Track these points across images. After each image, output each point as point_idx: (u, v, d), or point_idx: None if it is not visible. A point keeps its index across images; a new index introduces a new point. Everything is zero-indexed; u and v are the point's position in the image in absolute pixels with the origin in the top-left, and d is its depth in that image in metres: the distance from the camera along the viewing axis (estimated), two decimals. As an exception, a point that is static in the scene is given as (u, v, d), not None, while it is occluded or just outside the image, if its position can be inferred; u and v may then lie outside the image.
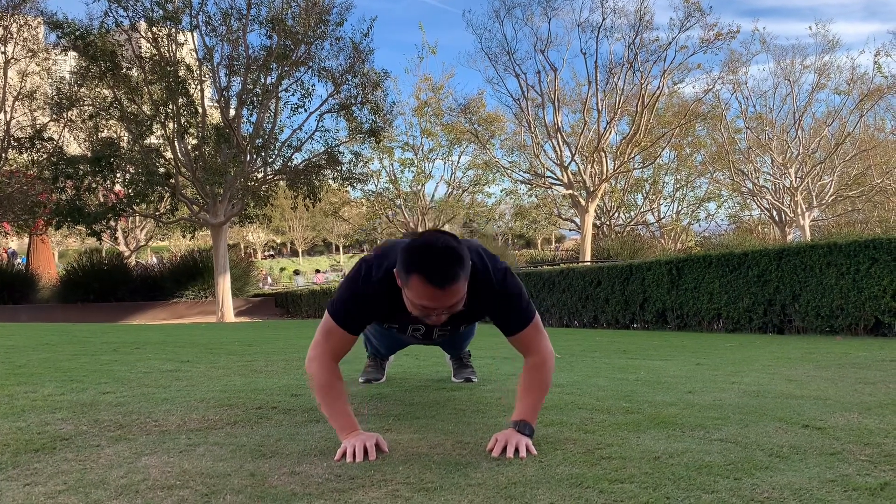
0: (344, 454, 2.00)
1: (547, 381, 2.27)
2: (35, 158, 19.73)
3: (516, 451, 2.02)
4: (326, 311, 2.28)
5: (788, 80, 30.64)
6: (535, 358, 2.28)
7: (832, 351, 5.61)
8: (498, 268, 2.25)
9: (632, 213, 35.68)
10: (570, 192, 26.54)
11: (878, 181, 30.99)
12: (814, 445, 2.13)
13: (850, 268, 8.19)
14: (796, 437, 2.24)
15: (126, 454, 2.04)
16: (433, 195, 34.79)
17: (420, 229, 32.88)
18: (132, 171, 19.39)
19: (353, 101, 20.45)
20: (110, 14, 18.49)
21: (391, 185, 32.81)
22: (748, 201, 34.81)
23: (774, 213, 31.58)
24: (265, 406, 2.80)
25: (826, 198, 31.01)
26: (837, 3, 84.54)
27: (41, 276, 25.75)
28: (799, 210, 29.61)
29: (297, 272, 49.68)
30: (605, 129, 26.07)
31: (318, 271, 48.74)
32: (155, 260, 34.72)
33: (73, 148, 21.42)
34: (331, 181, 22.46)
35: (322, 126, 21.05)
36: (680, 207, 36.67)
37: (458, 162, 33.85)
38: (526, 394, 2.23)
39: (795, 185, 29.74)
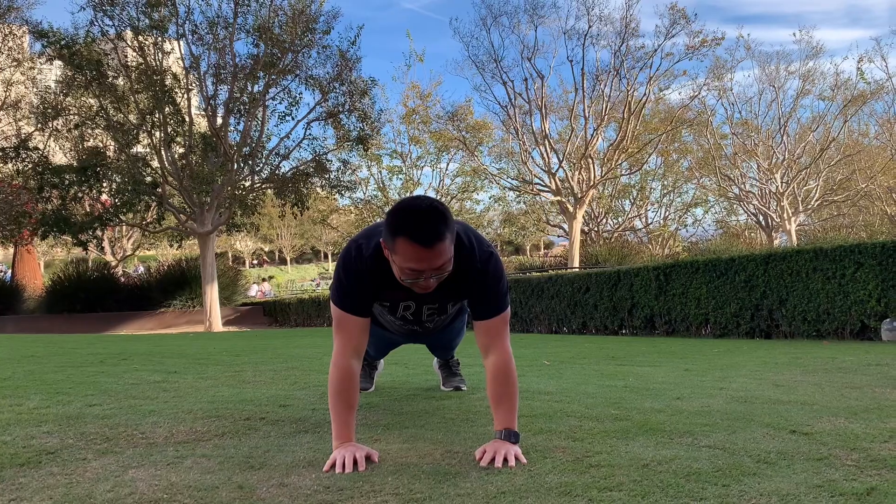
0: (333, 465, 2.00)
1: (515, 383, 2.26)
2: (20, 168, 19.57)
3: (505, 460, 2.02)
4: (332, 304, 2.28)
5: (773, 86, 30.93)
6: (498, 357, 2.25)
7: (819, 356, 5.64)
8: (483, 248, 2.26)
9: (619, 219, 35.84)
10: (558, 198, 26.63)
11: (863, 186, 31.28)
12: (801, 451, 2.14)
13: (835, 272, 8.26)
14: (784, 443, 2.25)
15: (113, 467, 2.03)
16: (421, 203, 34.74)
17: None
18: (118, 180, 19.28)
19: (341, 109, 20.44)
20: (96, 23, 18.43)
21: (379, 193, 32.82)
22: (735, 206, 35.06)
23: (761, 217, 31.80)
24: (253, 417, 2.78)
25: (812, 202, 31.26)
26: (821, 10, 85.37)
27: (27, 286, 25.55)
28: (785, 215, 29.83)
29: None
30: (592, 135, 26.20)
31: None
32: (142, 269, 34.52)
33: (59, 157, 21.28)
34: (319, 189, 22.43)
35: (310, 134, 21.03)
36: (667, 213, 36.89)
37: (447, 169, 33.96)
38: (500, 401, 2.22)
39: (781, 190, 29.97)
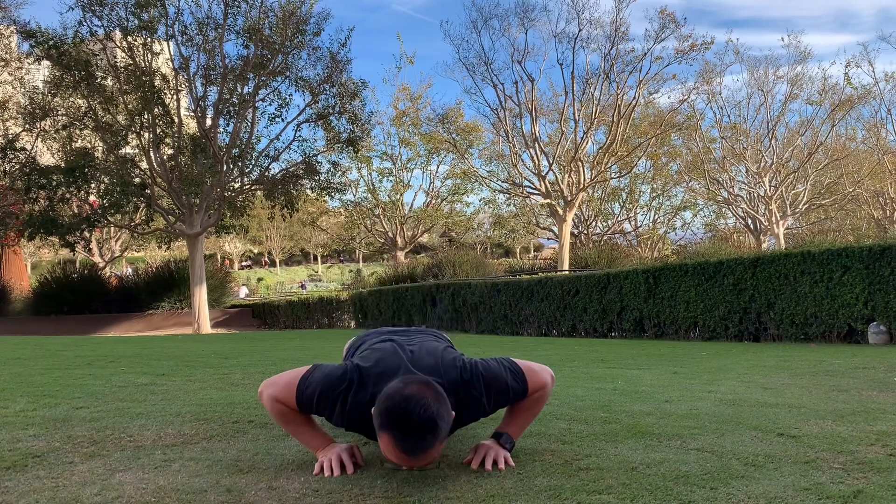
0: (322, 469, 1.99)
1: (539, 408, 2.26)
2: (7, 169, 19.44)
3: (494, 463, 2.02)
4: (298, 381, 2.09)
5: (762, 90, 31.11)
6: (539, 393, 2.21)
7: (806, 359, 5.67)
8: (463, 383, 2.09)
9: (609, 222, 35.95)
10: (548, 201, 26.68)
11: (850, 190, 31.51)
12: (788, 454, 2.15)
13: (823, 276, 8.31)
14: (771, 446, 2.26)
15: (100, 471, 2.01)
16: (412, 204, 34.88)
17: (399, 239, 32.90)
18: (107, 181, 19.17)
19: (331, 111, 20.42)
20: (85, 23, 18.33)
21: (369, 195, 32.79)
22: (723, 210, 35.23)
23: (749, 221, 31.97)
24: (242, 420, 2.77)
25: (800, 206, 31.46)
26: (809, 15, 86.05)
27: (13, 288, 25.35)
28: (773, 218, 30.00)
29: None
30: (581, 138, 26.26)
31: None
32: (130, 271, 34.34)
33: (47, 158, 21.15)
34: (308, 191, 22.38)
35: (299, 136, 21.06)
36: (656, 216, 37.02)
37: (437, 171, 33.98)
38: (517, 412, 2.21)
39: (770, 194, 30.14)
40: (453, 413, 1.94)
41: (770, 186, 30.33)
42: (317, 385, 2.06)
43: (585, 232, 34.19)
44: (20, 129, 21.06)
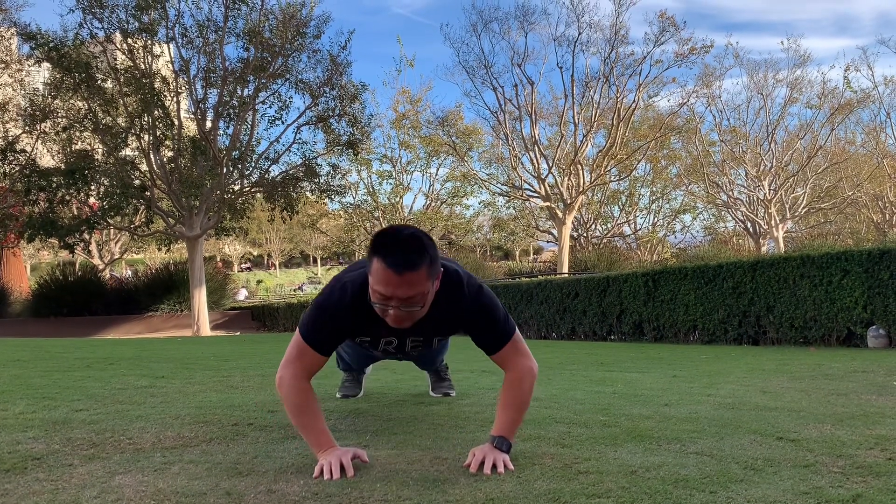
0: (322, 472, 1.99)
1: (525, 398, 2.26)
2: (7, 171, 19.45)
3: (494, 466, 2.02)
4: (297, 331, 2.25)
5: (761, 93, 31.15)
6: (514, 374, 2.27)
7: (806, 362, 5.68)
8: (472, 282, 2.25)
9: (608, 225, 35.96)
10: (548, 204, 26.70)
11: (850, 193, 31.54)
12: (787, 458, 2.15)
13: (822, 279, 8.31)
14: (770, 450, 2.26)
15: (99, 473, 2.01)
16: (411, 207, 34.88)
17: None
18: (107, 183, 19.18)
19: (331, 114, 20.43)
20: (85, 25, 18.36)
21: (369, 198, 32.80)
22: (723, 213, 35.27)
23: (749, 224, 31.99)
24: (241, 423, 2.77)
25: (799, 210, 31.48)
26: (809, 19, 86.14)
27: (13, 289, 25.34)
28: (773, 222, 30.02)
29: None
30: (581, 141, 26.30)
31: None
32: (129, 273, 34.33)
33: (47, 160, 21.16)
34: (308, 193, 22.39)
35: (299, 138, 21.04)
36: (656, 219, 37.05)
37: (437, 174, 34.00)
38: (504, 410, 2.22)
39: (769, 198, 30.17)
40: (441, 270, 2.10)
41: (769, 190, 30.35)
42: (310, 313, 2.22)
43: (585, 235, 34.21)
44: (20, 131, 21.06)
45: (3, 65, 22.10)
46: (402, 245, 1.98)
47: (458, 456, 2.19)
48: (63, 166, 19.11)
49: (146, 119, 18.76)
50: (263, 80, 19.49)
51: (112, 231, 30.37)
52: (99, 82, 18.58)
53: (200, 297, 20.20)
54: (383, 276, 1.98)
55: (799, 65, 30.70)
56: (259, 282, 57.38)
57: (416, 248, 1.99)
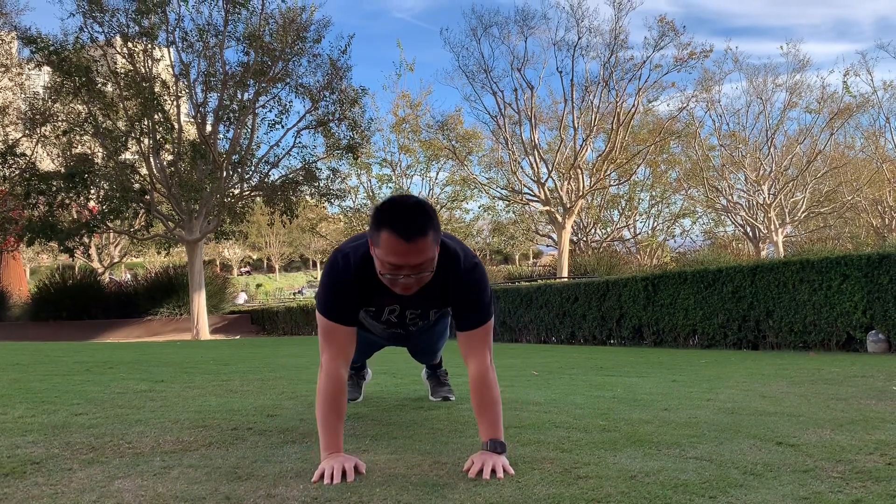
0: (322, 476, 1.99)
1: (496, 394, 2.25)
2: (7, 174, 19.45)
3: (493, 471, 2.02)
4: (317, 314, 2.29)
5: (761, 98, 31.18)
6: (477, 367, 2.25)
7: (805, 367, 5.68)
8: (469, 257, 2.29)
9: (608, 229, 35.94)
10: (547, 208, 26.71)
11: (849, 198, 31.56)
12: (787, 463, 2.15)
13: (822, 284, 8.32)
14: (770, 455, 2.26)
15: (99, 478, 2.01)
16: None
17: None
18: (106, 187, 19.18)
19: (331, 118, 20.44)
20: (85, 29, 18.38)
21: (369, 201, 32.78)
22: (722, 217, 35.25)
23: (748, 229, 31.99)
24: (241, 427, 2.77)
25: (798, 214, 31.50)
26: (808, 24, 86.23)
27: (12, 293, 25.30)
28: (772, 226, 30.03)
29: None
30: (581, 146, 26.31)
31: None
32: (129, 276, 34.31)
33: (47, 164, 21.15)
34: (308, 197, 22.40)
35: (299, 142, 21.01)
36: (655, 223, 37.03)
37: (436, 178, 33.97)
38: (483, 412, 2.22)
39: (768, 202, 30.18)
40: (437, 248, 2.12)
41: (769, 194, 30.37)
42: (321, 292, 2.26)
43: (584, 239, 34.19)
44: (20, 135, 21.07)
45: (3, 68, 22.11)
46: (409, 213, 2.02)
47: (458, 460, 2.19)
48: (63, 170, 19.11)
49: (146, 123, 18.77)
50: (263, 84, 19.50)
51: (112, 235, 30.36)
52: (99, 86, 18.60)
53: (200, 301, 20.19)
54: (395, 246, 2.01)
55: (798, 69, 30.76)
56: (259, 285, 57.36)
57: (423, 214, 2.03)
